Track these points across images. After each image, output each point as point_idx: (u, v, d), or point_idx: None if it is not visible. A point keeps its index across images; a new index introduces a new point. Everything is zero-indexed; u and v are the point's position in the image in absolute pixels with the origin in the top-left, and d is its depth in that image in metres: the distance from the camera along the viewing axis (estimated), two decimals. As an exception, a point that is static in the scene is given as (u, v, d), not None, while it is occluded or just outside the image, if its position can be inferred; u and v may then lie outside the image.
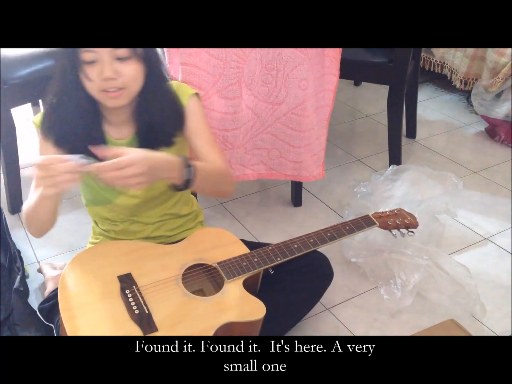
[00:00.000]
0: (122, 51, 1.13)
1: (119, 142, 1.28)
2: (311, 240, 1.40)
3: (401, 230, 1.57)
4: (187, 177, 1.17)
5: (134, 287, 1.22)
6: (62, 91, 1.20)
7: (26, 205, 1.22)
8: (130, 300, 1.19)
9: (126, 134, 1.29)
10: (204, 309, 1.21)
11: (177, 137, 1.31)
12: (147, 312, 1.17)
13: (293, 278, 1.41)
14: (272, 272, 1.37)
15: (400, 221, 1.56)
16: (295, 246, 1.38)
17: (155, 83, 1.23)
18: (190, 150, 1.37)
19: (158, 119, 1.25)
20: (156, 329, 1.15)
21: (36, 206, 1.19)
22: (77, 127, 1.21)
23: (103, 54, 1.13)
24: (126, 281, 1.23)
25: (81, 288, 1.21)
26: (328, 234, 1.43)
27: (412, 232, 1.59)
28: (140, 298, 1.20)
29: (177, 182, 1.18)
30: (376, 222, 1.53)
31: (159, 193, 1.35)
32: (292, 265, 1.39)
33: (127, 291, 1.21)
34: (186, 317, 1.19)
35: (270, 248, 1.36)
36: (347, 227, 1.47)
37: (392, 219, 1.56)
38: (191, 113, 1.32)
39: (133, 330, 1.14)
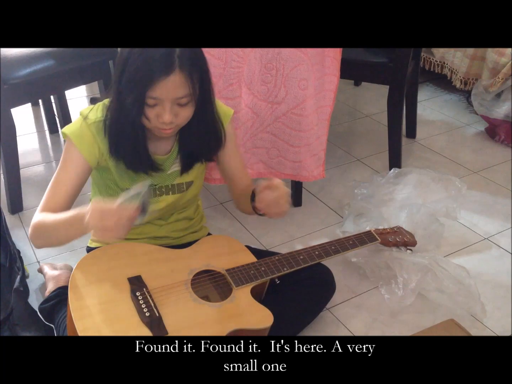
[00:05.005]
0: (184, 99, 1.15)
1: (160, 158, 1.30)
2: (316, 252, 1.44)
3: (400, 247, 1.63)
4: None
5: (144, 289, 1.22)
6: (117, 112, 1.19)
7: (48, 218, 1.18)
8: (141, 302, 1.19)
9: (165, 149, 1.32)
10: (213, 314, 1.22)
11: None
12: (157, 315, 1.17)
13: (298, 289, 1.42)
14: (278, 282, 1.39)
15: (399, 239, 1.62)
16: (301, 257, 1.41)
17: (203, 114, 1.25)
18: (221, 170, 1.44)
19: (201, 141, 1.29)
20: (166, 332, 1.14)
21: (67, 228, 1.15)
22: (125, 143, 1.23)
23: (166, 101, 1.14)
24: (137, 283, 1.23)
25: (92, 288, 1.21)
26: (333, 248, 1.47)
27: (411, 250, 1.64)
28: (151, 301, 1.20)
29: None
30: (378, 238, 1.58)
31: (188, 200, 1.40)
32: (296, 276, 1.41)
33: (138, 293, 1.21)
34: (196, 322, 1.20)
35: (277, 258, 1.39)
36: (351, 242, 1.52)
37: (392, 236, 1.62)
38: (229, 136, 1.36)
39: (143, 332, 1.14)
